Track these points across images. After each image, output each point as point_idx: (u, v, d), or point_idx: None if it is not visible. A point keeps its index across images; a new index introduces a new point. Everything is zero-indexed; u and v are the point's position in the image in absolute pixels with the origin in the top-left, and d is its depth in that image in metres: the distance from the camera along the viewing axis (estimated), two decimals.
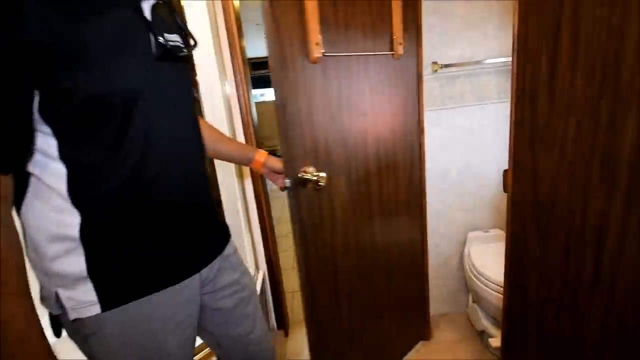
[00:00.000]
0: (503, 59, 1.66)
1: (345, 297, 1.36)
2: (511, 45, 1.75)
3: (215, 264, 0.81)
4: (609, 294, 0.65)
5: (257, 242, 1.90)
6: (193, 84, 1.20)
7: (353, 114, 1.27)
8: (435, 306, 2.03)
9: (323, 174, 1.10)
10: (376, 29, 1.26)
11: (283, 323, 2.01)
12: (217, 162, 1.46)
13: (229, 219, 1.70)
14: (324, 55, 1.12)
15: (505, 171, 0.87)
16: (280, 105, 1.04)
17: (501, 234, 1.88)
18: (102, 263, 0.64)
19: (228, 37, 1.61)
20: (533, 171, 0.79)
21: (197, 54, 1.56)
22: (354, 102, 1.25)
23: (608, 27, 0.59)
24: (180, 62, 0.74)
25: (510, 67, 1.76)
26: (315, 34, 1.09)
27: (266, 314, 1.93)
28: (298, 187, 1.11)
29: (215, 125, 1.72)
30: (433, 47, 1.66)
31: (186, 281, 0.73)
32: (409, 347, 1.77)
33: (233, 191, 1.75)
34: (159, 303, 0.69)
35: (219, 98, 1.65)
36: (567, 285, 0.75)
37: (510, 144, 0.83)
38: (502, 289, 1.50)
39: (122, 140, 0.62)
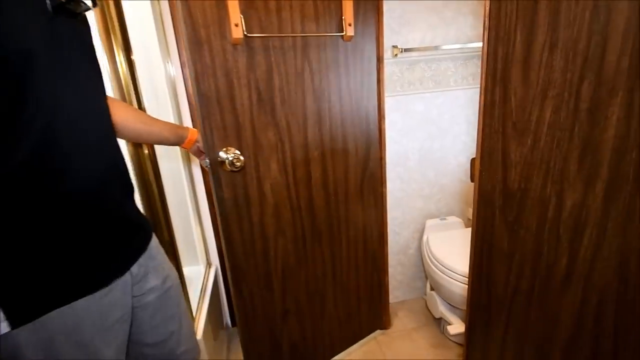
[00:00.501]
0: (461, 45, 1.63)
1: (278, 280, 1.36)
2: (468, 32, 1.73)
3: (142, 263, 0.73)
4: (584, 290, 0.61)
5: (208, 234, 1.75)
6: (130, 65, 1.03)
7: (288, 98, 1.19)
8: (394, 293, 2.02)
9: (239, 155, 1.13)
10: (319, 9, 1.16)
11: None
12: (157, 147, 1.31)
13: (175, 210, 1.54)
14: (247, 36, 1.07)
15: (473, 159, 0.81)
16: (194, 85, 1.04)
17: (458, 221, 1.88)
18: (1, 271, 0.51)
19: (172, 15, 1.42)
20: (503, 158, 0.73)
21: (136, 32, 1.36)
22: (290, 85, 1.17)
23: (593, 3, 0.53)
24: (83, 25, 0.63)
25: (468, 54, 1.78)
26: (234, 15, 1.03)
27: (219, 310, 1.79)
28: (217, 167, 1.13)
29: (160, 110, 1.55)
30: (392, 31, 1.58)
31: (111, 284, 0.65)
32: (362, 335, 1.73)
33: (179, 178, 1.58)
34: (83, 312, 0.60)
35: (162, 80, 1.46)
36: (538, 277, 0.71)
37: (479, 130, 0.76)
38: (459, 276, 1.50)
39: (16, 116, 0.48)
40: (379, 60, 1.35)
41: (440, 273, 1.57)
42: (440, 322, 1.78)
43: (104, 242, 0.64)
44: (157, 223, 1.18)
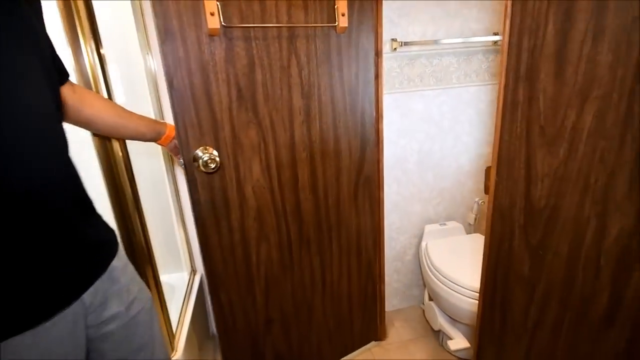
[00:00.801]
0: (465, 39, 1.49)
1: (261, 287, 1.26)
2: (472, 25, 1.60)
3: (100, 287, 0.62)
4: (632, 337, 0.49)
5: (192, 239, 1.61)
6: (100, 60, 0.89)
7: (272, 94, 1.06)
8: (390, 301, 1.90)
9: (215, 157, 1.03)
10: None
11: None
12: (133, 144, 1.17)
13: (155, 212, 1.41)
14: (225, 27, 0.95)
15: (488, 168, 0.68)
16: (166, 80, 0.93)
17: (458, 226, 1.76)
18: None
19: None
20: (526, 169, 0.61)
21: (111, 23, 1.22)
22: (274, 80, 1.04)
23: None
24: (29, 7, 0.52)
25: (473, 49, 1.65)
26: (210, 2, 0.91)
27: (205, 319, 1.66)
28: (192, 168, 1.03)
29: (139, 105, 1.40)
30: (391, 23, 1.44)
31: (55, 317, 0.53)
32: (355, 347, 1.61)
33: (161, 178, 1.44)
34: (21, 351, 0.50)
35: (141, 74, 1.32)
36: (569, 313, 0.58)
37: (496, 134, 0.63)
38: (460, 288, 1.38)
39: None
40: (377, 54, 1.22)
41: (440, 284, 1.45)
42: (439, 334, 1.66)
43: (45, 267, 0.52)
44: (130, 231, 1.04)
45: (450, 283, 1.40)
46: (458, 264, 1.47)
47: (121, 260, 0.70)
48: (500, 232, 0.69)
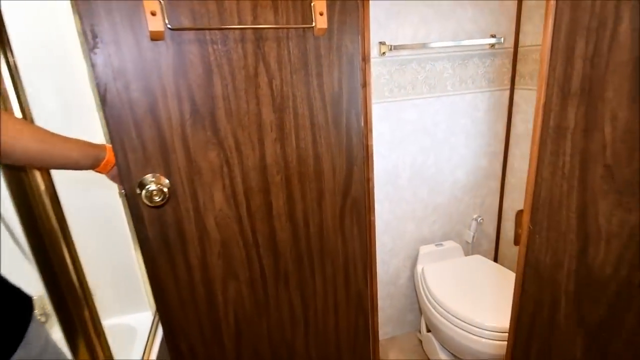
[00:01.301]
0: (459, 43, 1.31)
1: (230, 332, 1.06)
2: (467, 26, 1.43)
3: None
4: None
5: None
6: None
7: (237, 109, 0.86)
8: (383, 329, 1.70)
9: (163, 187, 0.81)
10: None
11: None
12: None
13: (107, 248, 1.19)
14: (172, 30, 0.76)
15: (520, 212, 0.49)
16: (99, 95, 0.73)
17: (456, 246, 1.57)
18: None
19: None
20: (582, 223, 0.42)
21: (39, 25, 1.01)
22: (238, 92, 0.84)
23: None
24: None
25: (468, 53, 1.47)
26: (150, 1, 0.71)
27: None
28: (136, 199, 0.82)
29: (82, 122, 1.19)
30: (379, 24, 1.25)
31: None
32: None
33: (116, 206, 1.22)
34: None
35: (84, 83, 1.10)
36: None
37: (530, 172, 0.44)
38: (462, 323, 1.19)
39: None
40: (364, 59, 1.02)
41: (441, 317, 1.26)
42: None
43: None
44: (57, 275, 0.83)
45: (453, 318, 1.21)
46: (460, 295, 1.28)
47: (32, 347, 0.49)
48: (536, 295, 0.50)
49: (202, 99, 0.80)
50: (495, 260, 1.76)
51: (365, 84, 1.04)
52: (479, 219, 1.61)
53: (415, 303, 1.70)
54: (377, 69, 1.28)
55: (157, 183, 0.79)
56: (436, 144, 1.47)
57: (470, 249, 1.67)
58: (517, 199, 1.57)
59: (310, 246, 1.10)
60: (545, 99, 0.42)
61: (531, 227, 0.46)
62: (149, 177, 0.80)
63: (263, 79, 0.85)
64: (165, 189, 0.79)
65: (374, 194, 1.21)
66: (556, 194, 0.43)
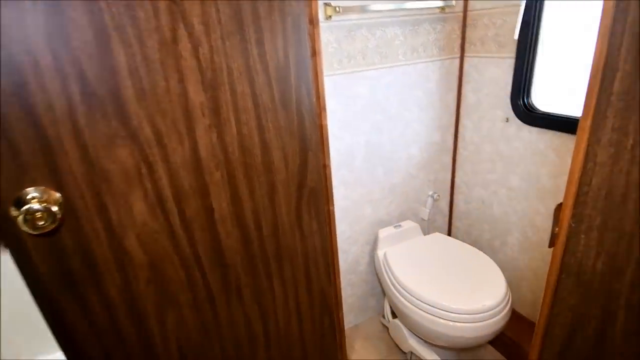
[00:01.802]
0: (413, 4, 1.19)
1: None
2: None
3: None
4: None
5: None
6: None
7: (151, 88, 0.65)
8: (346, 319, 1.62)
9: (50, 206, 0.57)
10: None
11: None
12: None
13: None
14: None
15: (559, 206, 0.38)
16: None
17: (414, 226, 1.52)
18: None
19: None
20: None
21: None
22: (152, 65, 0.63)
23: None
24: None
25: (419, 17, 1.36)
26: None
27: None
28: (13, 224, 0.58)
29: None
30: None
31: None
32: None
33: None
34: None
35: None
36: None
37: (579, 149, 0.33)
38: (433, 308, 1.14)
39: None
40: (312, 22, 0.85)
41: (408, 303, 1.19)
42: (410, 356, 1.43)
43: None
44: None
45: (420, 303, 1.15)
46: (426, 278, 1.22)
47: None
48: (577, 307, 0.40)
49: (98, 75, 0.57)
50: (449, 234, 1.77)
51: (315, 53, 0.88)
52: (434, 195, 1.57)
53: (376, 287, 1.64)
54: (324, 35, 1.12)
55: (42, 200, 0.56)
56: (389, 120, 1.37)
57: (427, 226, 1.64)
58: (469, 171, 1.55)
59: (265, 250, 0.94)
60: (608, 50, 0.30)
61: (573, 225, 0.37)
62: (29, 192, 0.56)
63: (185, 46, 0.64)
64: (55, 208, 0.56)
65: (331, 181, 1.07)
66: (619, 183, 0.33)
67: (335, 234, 1.15)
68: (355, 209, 1.44)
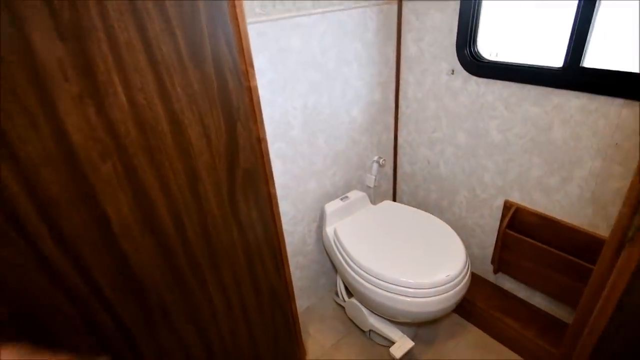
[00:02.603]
0: None
1: None
2: None
3: None
4: None
5: None
6: None
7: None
8: (297, 303, 1.51)
9: None
10: None
11: None
12: None
13: None
14: None
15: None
16: None
17: (361, 196, 1.42)
18: None
19: None
20: None
21: None
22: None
23: None
24: None
25: None
26: None
27: None
28: None
29: None
30: None
31: None
32: None
33: None
34: None
35: None
36: None
37: None
38: (394, 286, 1.06)
39: None
40: None
41: (368, 284, 1.10)
42: (369, 334, 1.37)
43: None
44: None
45: (382, 282, 1.06)
46: (383, 253, 1.13)
47: None
48: None
49: None
50: (394, 198, 1.71)
51: None
52: (380, 160, 1.48)
53: (326, 265, 1.54)
54: None
55: None
56: (328, 78, 1.20)
57: (373, 193, 1.56)
58: (412, 130, 1.47)
59: (194, 256, 0.74)
60: None
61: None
62: None
63: None
64: None
65: (269, 157, 0.89)
66: None
67: (279, 219, 0.98)
68: (298, 185, 1.28)
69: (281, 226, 0.98)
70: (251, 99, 0.78)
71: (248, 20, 0.92)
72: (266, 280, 0.97)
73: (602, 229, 1.03)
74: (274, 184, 0.91)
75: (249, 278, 0.90)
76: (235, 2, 0.67)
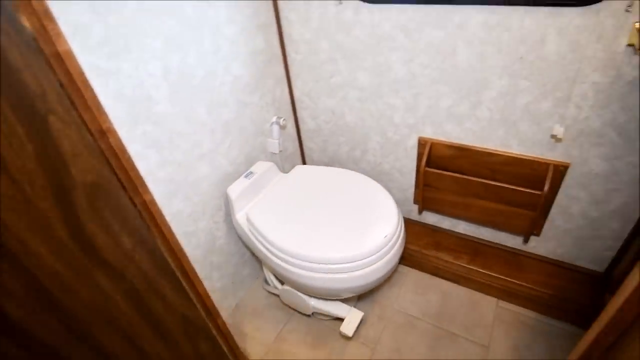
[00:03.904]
0: None
1: None
2: None
3: None
4: None
5: None
6: None
7: None
8: (223, 305, 1.31)
9: None
10: None
11: None
12: None
13: None
14: None
15: None
16: None
17: (268, 166, 1.22)
18: None
19: None
20: None
21: None
22: None
23: None
24: None
25: None
26: None
27: None
28: None
29: None
30: None
31: None
32: None
33: None
34: None
35: None
36: None
37: None
38: (325, 266, 0.93)
39: None
40: None
41: (300, 270, 0.96)
42: (314, 316, 1.25)
43: None
44: None
45: (314, 265, 0.93)
46: (308, 231, 0.98)
47: None
48: None
49: None
50: (303, 159, 1.56)
51: None
52: (280, 121, 1.27)
53: (245, 254, 1.34)
54: None
55: None
56: (190, 27, 0.91)
57: (280, 159, 1.37)
58: (308, 80, 1.29)
59: (30, 332, 0.48)
60: None
61: None
62: None
63: None
64: None
65: (127, 153, 0.62)
66: None
67: (169, 230, 0.74)
68: (186, 173, 1.01)
69: (174, 237, 0.74)
70: (68, 72, 0.49)
71: None
72: (174, 315, 0.74)
73: (514, 147, 1.04)
74: (146, 188, 0.65)
75: (147, 325, 0.67)
76: None
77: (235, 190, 1.12)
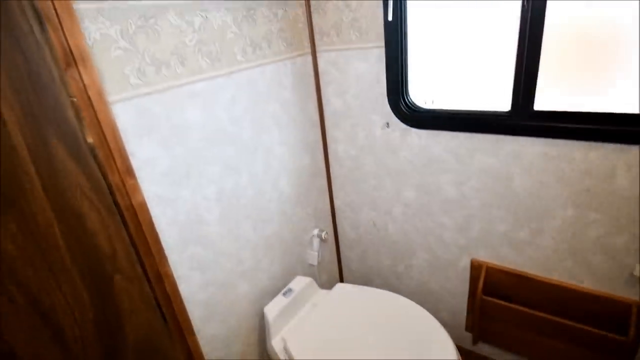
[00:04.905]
0: None
1: None
2: None
3: None
4: None
5: None
6: None
7: None
8: None
9: None
10: None
11: None
12: None
13: None
14: None
15: None
16: None
17: (307, 282, 1.17)
18: None
19: None
20: None
21: None
22: None
23: None
24: None
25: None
26: None
27: None
28: None
29: None
30: None
31: None
32: None
33: None
34: None
35: None
36: None
37: None
38: None
39: None
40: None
41: None
42: None
43: None
44: None
45: None
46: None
47: None
48: None
49: None
50: (340, 268, 1.50)
51: (72, 61, 0.39)
52: (322, 234, 1.26)
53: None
54: (93, 27, 0.60)
55: None
56: (245, 151, 0.96)
57: (317, 272, 1.32)
58: (350, 192, 1.30)
59: None
60: None
61: None
62: None
63: None
64: None
65: (179, 293, 0.60)
66: None
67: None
68: (226, 294, 0.97)
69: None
70: (139, 224, 0.50)
71: (119, 95, 0.64)
72: None
73: (588, 282, 0.95)
74: (193, 333, 0.62)
75: None
76: (84, 77, 0.41)
77: (272, 310, 1.05)
